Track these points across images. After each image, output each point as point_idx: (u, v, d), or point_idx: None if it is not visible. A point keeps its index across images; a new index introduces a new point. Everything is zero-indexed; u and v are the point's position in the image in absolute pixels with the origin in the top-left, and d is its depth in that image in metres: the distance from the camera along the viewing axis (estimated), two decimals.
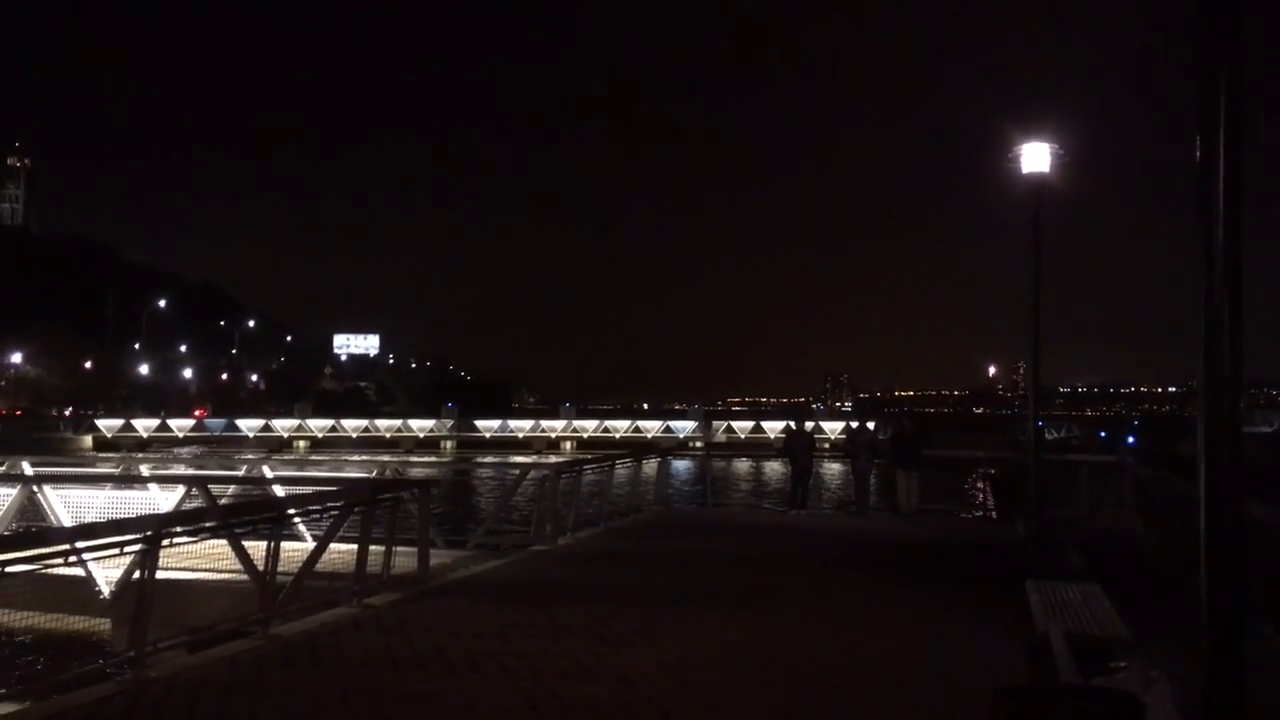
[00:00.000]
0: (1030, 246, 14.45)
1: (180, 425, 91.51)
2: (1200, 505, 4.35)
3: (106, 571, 12.57)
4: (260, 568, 9.65)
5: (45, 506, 14.34)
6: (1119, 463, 20.47)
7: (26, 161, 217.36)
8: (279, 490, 15.27)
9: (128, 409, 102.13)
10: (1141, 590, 10.97)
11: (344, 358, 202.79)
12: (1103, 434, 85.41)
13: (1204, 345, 4.24)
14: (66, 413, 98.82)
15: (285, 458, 50.36)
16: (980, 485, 23.71)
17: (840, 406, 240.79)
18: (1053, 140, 14.16)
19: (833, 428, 76.13)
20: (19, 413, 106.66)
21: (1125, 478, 19.10)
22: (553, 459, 33.21)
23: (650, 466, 22.81)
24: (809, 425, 27.43)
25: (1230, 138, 4.10)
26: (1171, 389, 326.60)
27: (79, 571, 11.84)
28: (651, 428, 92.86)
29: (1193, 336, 4.24)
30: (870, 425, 24.17)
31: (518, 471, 18.18)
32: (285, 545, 9.90)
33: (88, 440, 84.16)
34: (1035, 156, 14.11)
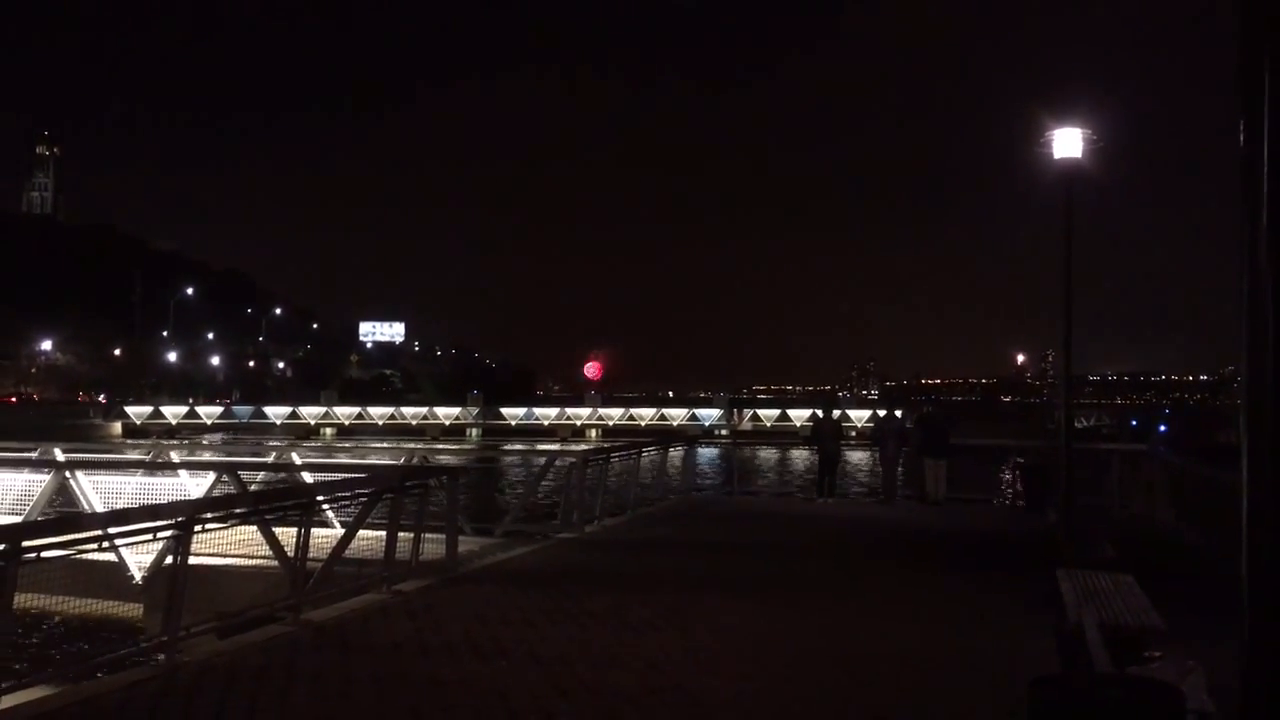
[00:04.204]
0: (1062, 233, 14.30)
1: (208, 412, 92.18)
2: (1242, 492, 4.29)
3: (138, 557, 12.67)
4: (290, 554, 9.70)
5: (77, 492, 14.45)
6: (1150, 451, 20.28)
7: (55, 150, 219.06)
8: (308, 477, 15.37)
9: (155, 396, 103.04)
10: (1175, 580, 10.85)
11: (369, 345, 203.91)
12: (1134, 422, 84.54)
13: (1247, 327, 4.17)
14: (102, 399, 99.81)
15: (312, 444, 50.65)
16: (1009, 474, 23.54)
17: (867, 395, 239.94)
18: (1086, 125, 14.00)
19: (859, 416, 75.87)
20: (88, 397, 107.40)
21: (1157, 466, 18.93)
22: (578, 447, 33.25)
23: (676, 454, 22.79)
24: (836, 413, 27.33)
25: (1276, 119, 4.01)
26: (1204, 377, 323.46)
27: (111, 557, 11.95)
28: (677, 416, 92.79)
29: (1228, 324, 4.17)
30: (898, 413, 24.07)
31: (544, 459, 18.19)
32: (315, 531, 9.95)
33: (117, 427, 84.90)
34: (1067, 142, 13.96)
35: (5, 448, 17.75)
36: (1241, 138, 4.12)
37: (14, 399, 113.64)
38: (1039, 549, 13.41)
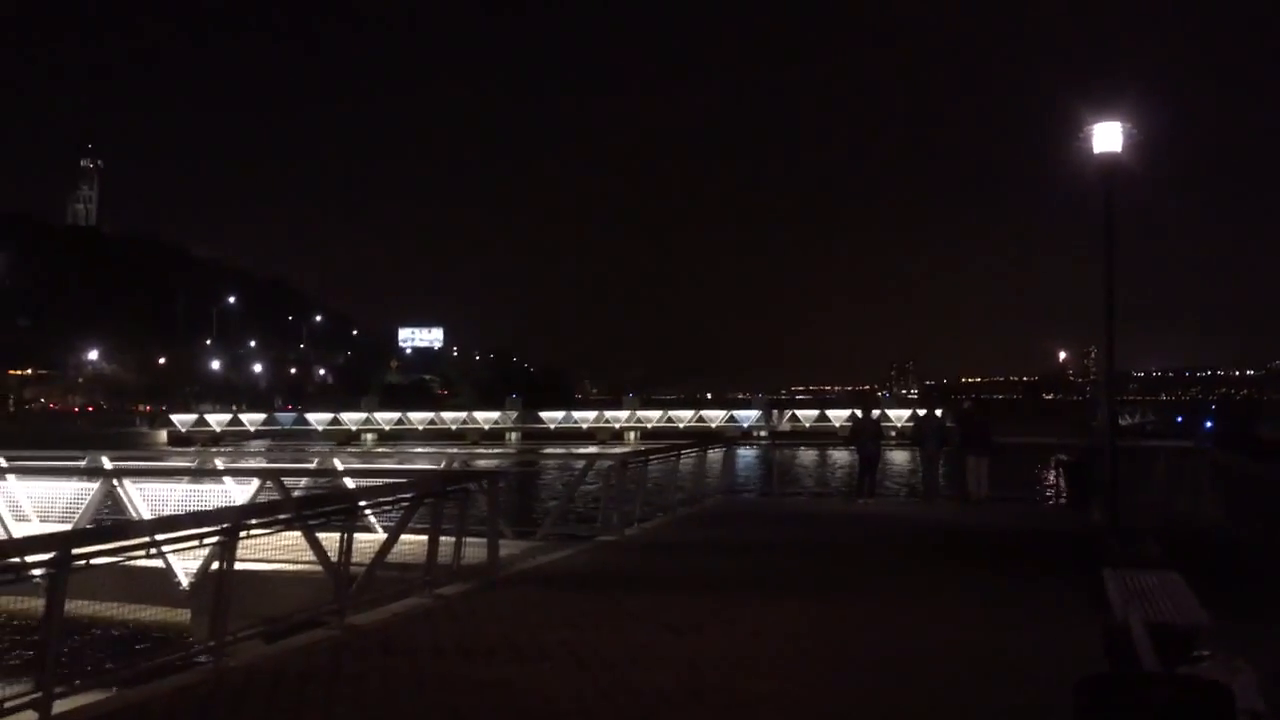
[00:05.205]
0: (1103, 228, 14.14)
1: (252, 419, 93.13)
2: None
3: (185, 563, 12.84)
4: (334, 559, 9.78)
5: (125, 500, 14.65)
6: (1196, 448, 20.01)
7: (99, 163, 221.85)
8: (350, 483, 15.49)
9: (199, 404, 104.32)
10: (1223, 578, 10.70)
11: (409, 350, 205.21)
12: (1180, 418, 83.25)
13: None
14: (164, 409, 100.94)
15: (354, 450, 51.02)
16: (1052, 472, 23.31)
17: (906, 394, 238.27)
18: (1125, 119, 13.82)
19: (899, 415, 75.49)
20: (148, 408, 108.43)
21: (1203, 463, 18.67)
22: (617, 450, 33.23)
23: (715, 456, 22.76)
24: (875, 413, 27.20)
25: None
26: (1250, 372, 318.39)
27: (159, 563, 12.12)
28: (716, 417, 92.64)
29: (1276, 319, 4.10)
30: (938, 412, 23.94)
31: (584, 463, 18.22)
32: (358, 536, 10.03)
33: (163, 435, 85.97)
34: (1107, 136, 13.79)
35: (54, 456, 18.04)
36: None
37: (91, 408, 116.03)
38: (1083, 547, 13.25)
